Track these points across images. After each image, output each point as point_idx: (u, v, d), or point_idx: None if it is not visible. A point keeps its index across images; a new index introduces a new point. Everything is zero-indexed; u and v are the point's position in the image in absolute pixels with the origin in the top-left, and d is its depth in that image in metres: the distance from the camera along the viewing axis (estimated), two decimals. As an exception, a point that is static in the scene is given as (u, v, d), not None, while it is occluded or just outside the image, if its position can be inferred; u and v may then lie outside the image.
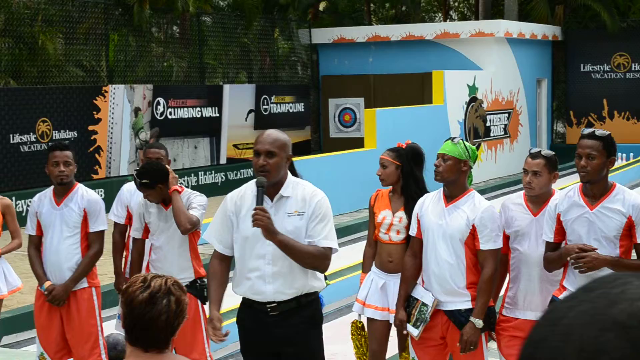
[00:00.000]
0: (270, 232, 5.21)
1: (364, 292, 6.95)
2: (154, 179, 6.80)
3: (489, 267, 5.97)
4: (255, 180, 5.35)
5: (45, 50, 18.94)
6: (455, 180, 6.05)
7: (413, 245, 6.27)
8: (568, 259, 5.72)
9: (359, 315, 7.09)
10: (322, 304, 5.86)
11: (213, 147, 22.61)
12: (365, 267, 7.08)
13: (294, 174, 5.62)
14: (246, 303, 5.58)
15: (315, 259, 5.34)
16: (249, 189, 5.47)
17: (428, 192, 6.65)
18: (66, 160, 7.17)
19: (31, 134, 17.58)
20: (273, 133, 5.46)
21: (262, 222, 5.17)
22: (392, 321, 6.79)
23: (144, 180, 6.78)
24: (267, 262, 5.38)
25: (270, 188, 5.38)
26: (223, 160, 22.69)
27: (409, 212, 6.58)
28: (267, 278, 5.39)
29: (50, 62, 19.14)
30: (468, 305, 6.01)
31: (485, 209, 6.00)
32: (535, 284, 6.12)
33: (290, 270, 5.37)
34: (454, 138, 6.17)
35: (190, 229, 6.78)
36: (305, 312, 5.48)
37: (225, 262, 5.64)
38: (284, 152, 5.36)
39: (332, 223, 5.48)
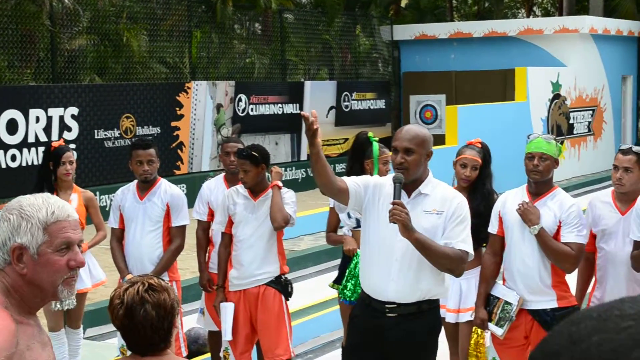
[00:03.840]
0: (408, 229, 4.91)
1: None
2: (262, 156, 6.78)
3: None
4: (393, 175, 5.11)
5: (130, 47, 19.16)
6: (549, 179, 5.94)
7: (493, 244, 6.16)
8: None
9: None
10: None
11: (294, 144, 22.66)
12: None
13: None
14: (365, 300, 5.29)
15: (451, 262, 5.02)
16: (389, 180, 5.18)
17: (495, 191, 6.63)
18: (150, 159, 7.23)
19: (115, 129, 17.79)
20: (412, 129, 5.23)
21: (401, 217, 4.89)
22: (460, 320, 6.72)
23: (253, 152, 6.76)
24: (395, 258, 5.11)
25: (408, 184, 5.12)
26: (304, 157, 22.70)
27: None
28: (391, 276, 5.12)
29: (134, 58, 19.35)
30: (553, 304, 5.87)
31: (572, 205, 5.86)
32: (623, 283, 5.99)
33: (418, 272, 5.09)
34: (543, 135, 6.02)
35: (283, 227, 6.76)
36: (425, 320, 5.20)
37: (343, 185, 5.22)
38: (423, 149, 5.11)
39: (469, 228, 5.19)
